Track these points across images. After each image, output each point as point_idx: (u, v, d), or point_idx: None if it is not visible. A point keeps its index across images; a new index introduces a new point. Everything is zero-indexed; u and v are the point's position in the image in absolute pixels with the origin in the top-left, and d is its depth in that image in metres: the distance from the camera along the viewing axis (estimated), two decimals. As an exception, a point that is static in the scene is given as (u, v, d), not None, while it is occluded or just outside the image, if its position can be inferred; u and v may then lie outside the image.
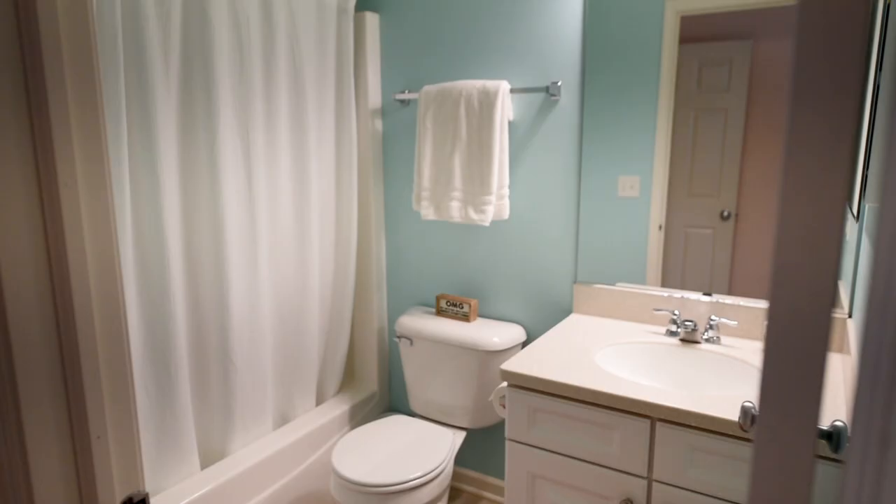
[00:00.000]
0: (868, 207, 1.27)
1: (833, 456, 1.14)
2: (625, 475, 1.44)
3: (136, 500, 0.81)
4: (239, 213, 1.92)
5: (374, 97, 2.35)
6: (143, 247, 1.70)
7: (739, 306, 1.76)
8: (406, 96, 2.25)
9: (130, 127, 1.61)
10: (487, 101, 1.98)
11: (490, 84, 1.98)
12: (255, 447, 2.04)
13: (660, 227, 1.88)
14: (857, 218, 1.37)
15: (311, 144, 2.14)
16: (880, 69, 1.19)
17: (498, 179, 2.01)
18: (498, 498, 2.38)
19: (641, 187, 1.88)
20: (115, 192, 1.53)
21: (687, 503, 1.37)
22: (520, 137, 2.08)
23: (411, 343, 2.22)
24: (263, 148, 1.98)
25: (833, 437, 0.85)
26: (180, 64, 1.73)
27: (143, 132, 1.64)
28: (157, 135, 1.66)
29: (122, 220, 1.59)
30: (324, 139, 2.22)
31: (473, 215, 2.05)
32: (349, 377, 2.60)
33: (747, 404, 1.07)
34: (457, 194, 2.08)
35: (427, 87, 2.12)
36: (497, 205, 2.04)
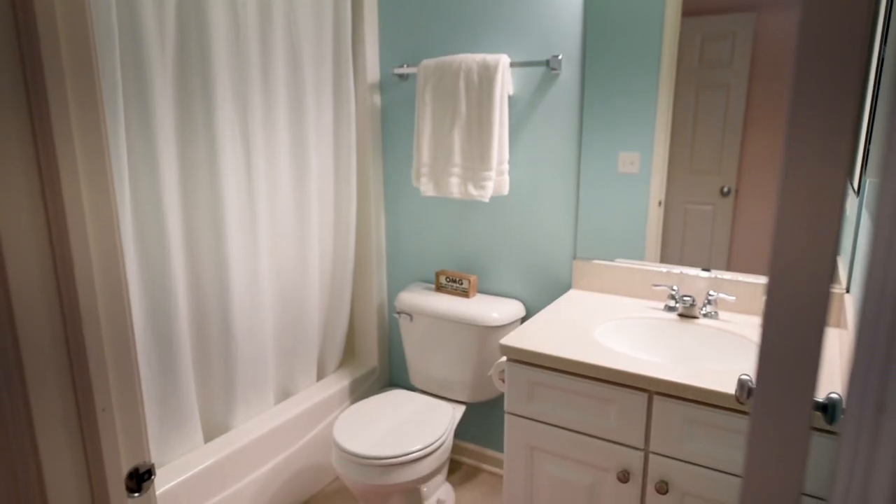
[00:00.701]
0: (869, 182, 1.27)
1: (828, 428, 1.16)
2: (622, 447, 1.47)
3: (142, 470, 0.83)
4: (238, 192, 1.92)
5: (373, 72, 2.32)
6: (143, 225, 1.70)
7: (738, 282, 1.77)
8: (405, 70, 2.23)
9: (128, 106, 1.60)
10: (487, 76, 1.96)
11: (490, 58, 1.96)
12: (258, 421, 2.07)
13: (659, 204, 1.88)
14: (858, 193, 1.37)
15: (309, 121, 2.13)
16: (885, 41, 1.18)
17: (497, 155, 2.00)
18: (497, 470, 2.42)
19: (642, 163, 1.87)
20: (114, 169, 1.53)
21: (683, 474, 1.39)
22: (520, 112, 2.07)
23: (411, 319, 2.24)
24: (261, 126, 1.97)
25: (829, 409, 0.86)
26: (176, 43, 1.70)
27: (139, 113, 1.63)
28: (153, 116, 1.64)
29: (122, 198, 1.59)
30: (322, 115, 2.20)
31: (473, 191, 2.04)
32: (350, 353, 2.62)
33: (744, 377, 1.08)
34: (456, 170, 2.07)
35: (426, 62, 2.10)
36: (496, 181, 2.03)
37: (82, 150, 0.72)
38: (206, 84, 1.77)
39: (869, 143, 1.25)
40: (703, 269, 1.83)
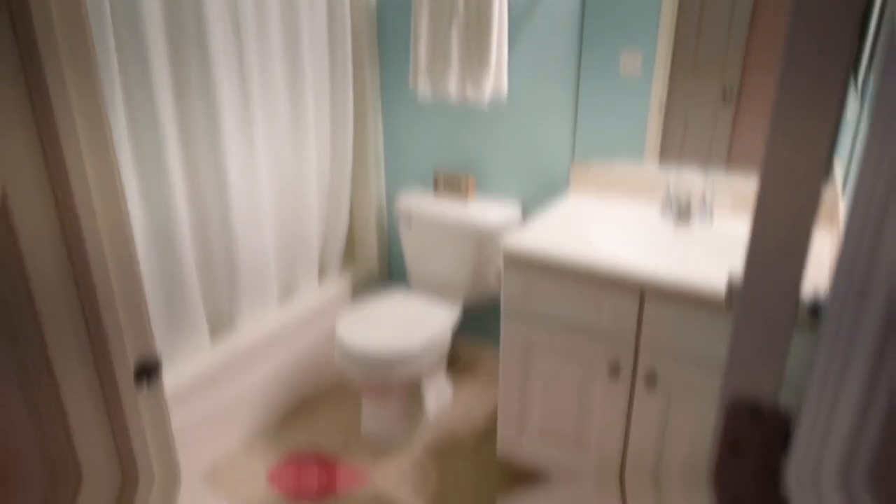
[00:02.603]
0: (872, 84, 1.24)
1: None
2: (613, 343, 1.52)
3: (149, 364, 0.86)
4: (232, 96, 1.87)
5: (366, -37, 2.19)
6: (139, 131, 1.67)
7: (736, 185, 1.77)
8: (400, -39, 2.11)
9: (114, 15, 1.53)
10: (487, -33, 1.85)
11: (490, -53, 1.85)
12: (262, 321, 2.13)
13: (660, 106, 1.84)
14: (862, 97, 1.34)
15: (303, 21, 2.03)
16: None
17: (497, 55, 1.93)
18: (493, 366, 2.52)
19: (644, 64, 1.82)
20: (105, 75, 1.49)
21: (670, 370, 1.46)
22: (519, 8, 1.98)
23: (410, 222, 2.25)
24: (254, 29, 1.89)
25: (816, 307, 0.88)
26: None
27: (130, 27, 1.56)
28: (143, 25, 1.58)
29: (114, 107, 1.55)
30: (316, 15, 2.10)
31: (471, 92, 1.99)
32: (350, 256, 2.66)
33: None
34: (454, 70, 2.01)
35: (422, -49, 1.97)
36: (495, 81, 1.98)
37: (66, 47, 0.70)
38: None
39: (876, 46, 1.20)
40: (702, 173, 1.82)
